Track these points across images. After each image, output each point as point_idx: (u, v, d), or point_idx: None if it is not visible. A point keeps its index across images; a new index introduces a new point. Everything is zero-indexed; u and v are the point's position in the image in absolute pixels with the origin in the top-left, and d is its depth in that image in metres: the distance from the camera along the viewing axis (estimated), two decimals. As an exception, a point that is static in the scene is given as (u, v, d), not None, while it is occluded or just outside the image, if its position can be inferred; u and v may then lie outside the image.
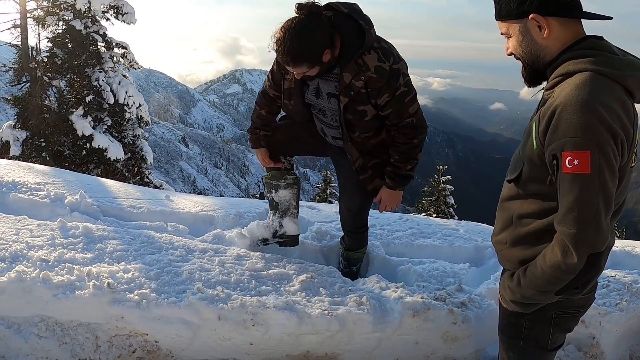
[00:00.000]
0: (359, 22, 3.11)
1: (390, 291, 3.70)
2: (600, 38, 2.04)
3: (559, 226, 1.96)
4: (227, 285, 3.46)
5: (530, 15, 2.01)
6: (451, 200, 24.93)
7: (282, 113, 3.92)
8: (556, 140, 1.89)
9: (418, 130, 3.38)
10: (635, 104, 2.00)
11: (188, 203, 4.97)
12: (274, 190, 4.02)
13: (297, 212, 4.12)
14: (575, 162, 1.85)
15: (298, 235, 4.13)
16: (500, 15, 2.12)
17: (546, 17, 2.00)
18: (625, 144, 1.90)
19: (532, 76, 2.19)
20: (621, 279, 4.63)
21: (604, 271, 4.80)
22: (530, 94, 2.33)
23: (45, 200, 4.48)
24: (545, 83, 2.16)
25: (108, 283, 3.26)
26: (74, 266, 3.45)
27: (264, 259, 3.83)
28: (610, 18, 2.05)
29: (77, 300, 3.19)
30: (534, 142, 2.05)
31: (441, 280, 4.14)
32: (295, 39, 2.93)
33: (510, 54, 2.19)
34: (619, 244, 7.83)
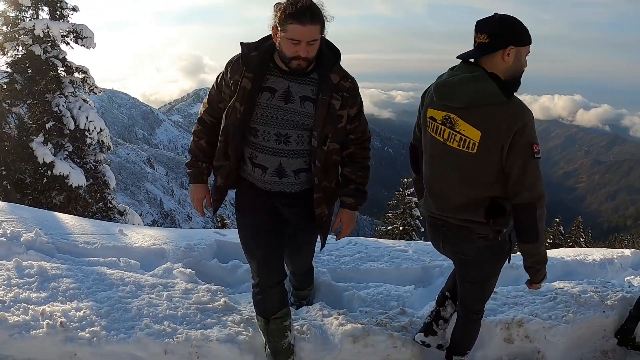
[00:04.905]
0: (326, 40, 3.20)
1: (332, 318, 3.82)
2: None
3: None
4: (173, 319, 3.60)
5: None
6: (417, 212, 25.14)
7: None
8: None
9: (369, 146, 3.46)
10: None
11: (140, 237, 5.10)
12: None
13: None
14: None
15: None
16: None
17: None
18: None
19: None
20: (569, 290, 4.74)
21: (552, 283, 4.98)
22: None
23: (1, 238, 4.59)
24: None
25: (61, 322, 3.41)
26: (29, 306, 3.58)
27: (210, 292, 3.95)
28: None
29: (33, 339, 3.34)
30: None
31: (384, 305, 4.22)
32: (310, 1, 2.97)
33: None
34: (571, 253, 7.98)
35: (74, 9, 16.46)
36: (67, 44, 16.44)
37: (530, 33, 2.80)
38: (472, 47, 2.87)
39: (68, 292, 3.83)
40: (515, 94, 2.84)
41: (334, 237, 5.56)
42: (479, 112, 2.80)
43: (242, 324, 3.63)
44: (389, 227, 25.26)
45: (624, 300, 4.68)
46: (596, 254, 7.83)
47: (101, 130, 16.91)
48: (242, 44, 3.17)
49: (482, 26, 2.78)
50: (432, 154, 3.11)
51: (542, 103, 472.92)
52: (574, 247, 18.70)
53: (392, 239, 14.96)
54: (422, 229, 24.52)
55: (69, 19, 16.44)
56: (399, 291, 4.47)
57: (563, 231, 33.75)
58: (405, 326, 3.88)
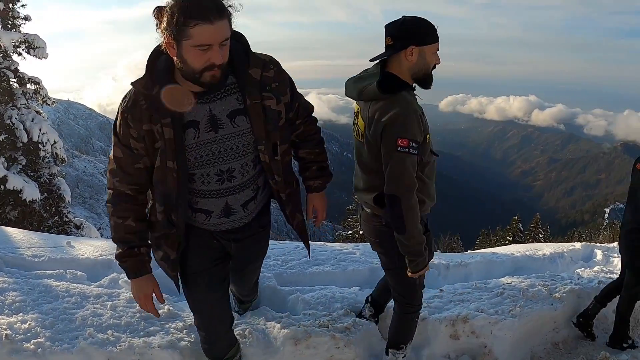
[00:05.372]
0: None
1: (274, 322, 3.88)
2: None
3: None
4: (117, 328, 3.64)
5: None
6: (377, 216, 25.27)
7: None
8: None
9: (314, 117, 3.14)
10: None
11: (88, 248, 5.14)
12: None
13: None
14: None
15: None
16: None
17: None
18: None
19: None
20: (517, 285, 4.89)
21: (500, 279, 5.14)
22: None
23: (-51, 255, 4.57)
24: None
25: (6, 334, 3.42)
26: (-25, 320, 3.59)
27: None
28: None
29: (-21, 353, 3.34)
30: None
31: (328, 307, 4.28)
32: None
33: None
34: (522, 249, 8.17)
35: (26, 18, 16.16)
36: (19, 54, 16.13)
37: (436, 32, 2.96)
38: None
39: (14, 305, 3.85)
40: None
41: (280, 242, 5.61)
42: (366, 106, 3.07)
43: (184, 330, 3.68)
44: (349, 232, 25.35)
45: (572, 293, 4.85)
46: (546, 248, 8.04)
47: (55, 142, 16.64)
48: (135, 84, 2.50)
49: (388, 29, 2.98)
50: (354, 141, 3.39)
51: (497, 104, 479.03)
52: (533, 243, 19.06)
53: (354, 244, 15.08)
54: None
55: (21, 28, 16.15)
56: (344, 293, 4.53)
57: (522, 228, 34.29)
58: (348, 327, 3.94)
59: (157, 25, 2.35)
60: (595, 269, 6.75)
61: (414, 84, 3.07)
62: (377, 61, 3.11)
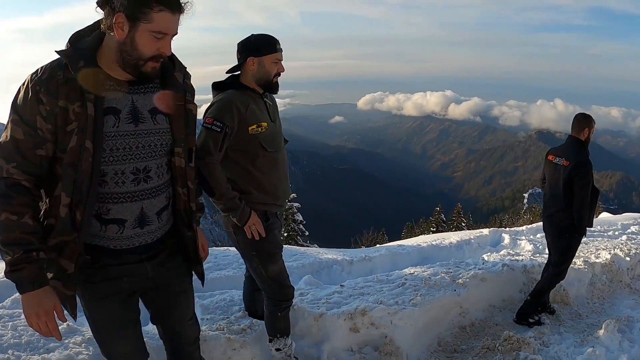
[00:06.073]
0: None
1: None
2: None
3: None
4: (17, 347, 3.65)
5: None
6: (300, 217, 25.42)
7: None
8: None
9: None
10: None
11: (-8, 271, 5.07)
12: None
13: None
14: None
15: None
16: None
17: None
18: None
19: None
20: (419, 275, 5.10)
21: (402, 270, 5.35)
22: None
23: None
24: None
25: None
26: None
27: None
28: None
29: None
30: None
31: (227, 310, 4.40)
32: None
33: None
34: (429, 239, 8.44)
35: None
36: None
37: (275, 45, 3.44)
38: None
39: None
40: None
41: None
42: None
43: (83, 344, 3.73)
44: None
45: (475, 278, 5.12)
46: (453, 237, 8.37)
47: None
48: (63, 53, 2.24)
49: (237, 46, 3.49)
50: None
51: (415, 101, 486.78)
52: (456, 231, 19.83)
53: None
54: (307, 233, 25.05)
55: None
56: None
57: (445, 219, 35.12)
58: (244, 328, 4.07)
59: (102, 3, 2.22)
60: (502, 252, 7.09)
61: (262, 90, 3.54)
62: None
